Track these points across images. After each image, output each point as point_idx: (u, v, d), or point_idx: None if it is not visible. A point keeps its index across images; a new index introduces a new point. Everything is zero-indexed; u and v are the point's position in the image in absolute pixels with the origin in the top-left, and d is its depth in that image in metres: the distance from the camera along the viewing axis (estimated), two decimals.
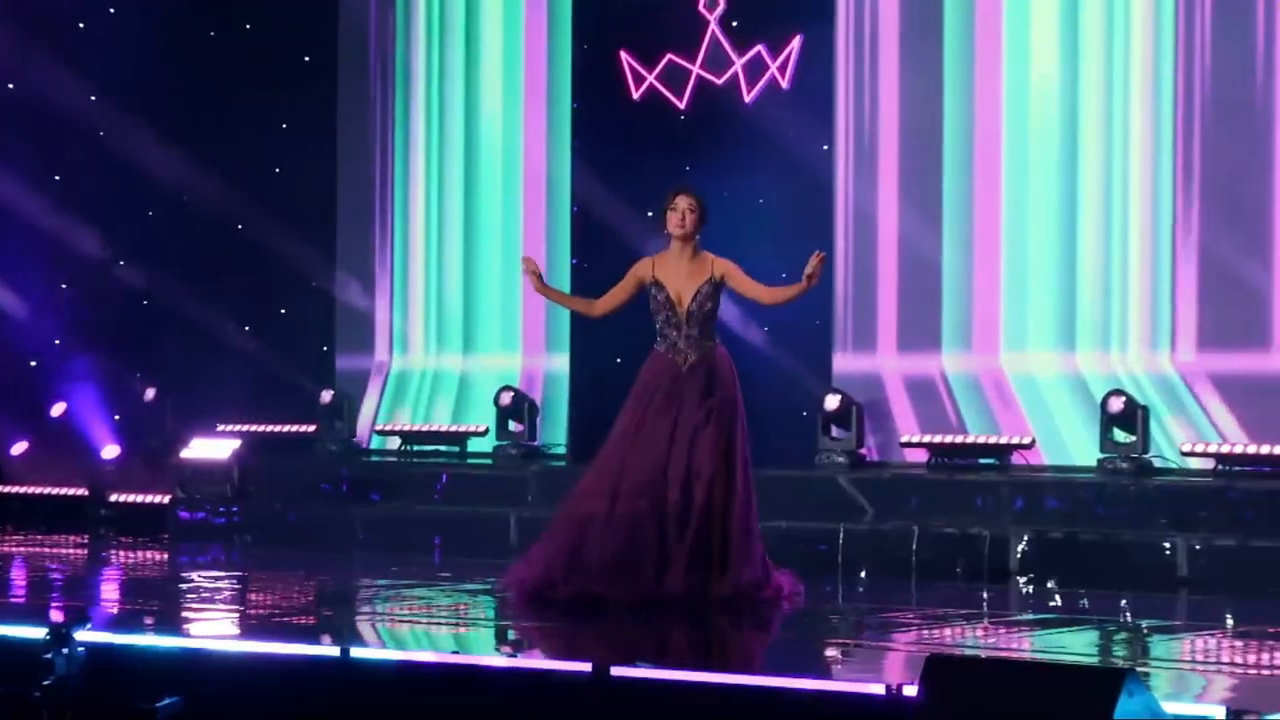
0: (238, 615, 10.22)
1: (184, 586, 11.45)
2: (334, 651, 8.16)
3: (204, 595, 10.97)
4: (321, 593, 11.05)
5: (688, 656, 8.64)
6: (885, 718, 6.74)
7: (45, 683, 7.30)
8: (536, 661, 8.33)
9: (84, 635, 7.44)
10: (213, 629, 9.41)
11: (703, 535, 9.73)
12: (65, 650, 7.30)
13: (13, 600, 10.62)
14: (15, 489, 15.04)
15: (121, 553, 13.36)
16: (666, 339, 10.15)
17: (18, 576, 12.04)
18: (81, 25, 15.43)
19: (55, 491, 14.88)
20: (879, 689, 6.95)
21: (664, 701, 7.33)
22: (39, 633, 7.99)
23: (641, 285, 10.21)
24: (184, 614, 10.10)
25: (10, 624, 8.69)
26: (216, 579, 11.70)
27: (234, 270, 15.53)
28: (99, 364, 15.51)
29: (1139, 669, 6.52)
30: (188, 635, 8.97)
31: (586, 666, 7.53)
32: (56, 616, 8.20)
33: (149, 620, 9.49)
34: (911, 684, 6.65)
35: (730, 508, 9.81)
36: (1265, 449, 12.18)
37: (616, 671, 7.45)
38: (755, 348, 13.93)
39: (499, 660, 8.43)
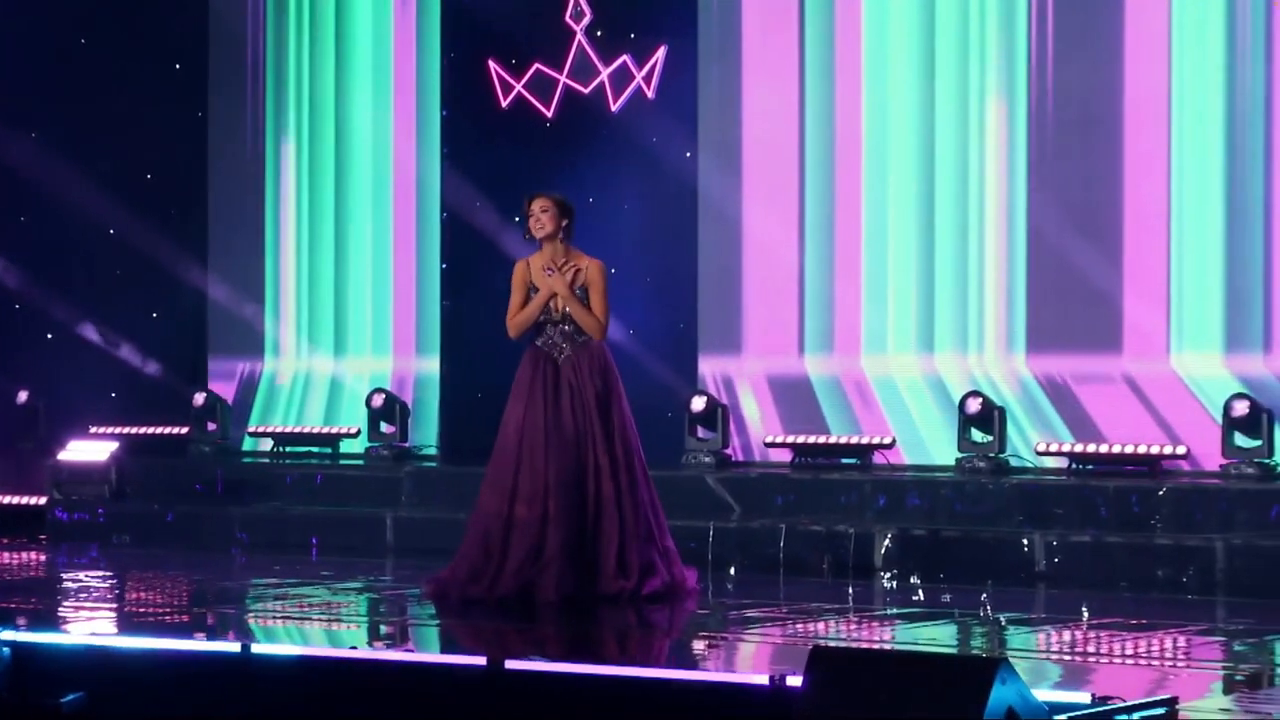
0: (132, 613, 10.36)
1: (72, 586, 11.54)
2: (235, 647, 8.25)
3: (94, 594, 11.12)
4: (211, 590, 11.17)
5: (576, 650, 8.83)
6: (769, 707, 6.92)
7: None
8: (433, 656, 8.50)
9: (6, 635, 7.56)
10: (109, 627, 9.54)
11: (614, 528, 10.01)
12: None
13: None
14: None
15: (12, 554, 13.40)
16: (543, 334, 10.32)
17: None
18: None
19: None
20: (763, 679, 7.12)
21: (555, 694, 7.47)
22: None
23: (526, 285, 10.35)
24: (77, 612, 10.21)
25: None
26: (102, 578, 11.81)
27: (107, 274, 15.57)
28: None
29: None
30: (89, 634, 9.04)
31: (482, 660, 7.71)
32: None
33: (45, 619, 9.55)
34: (794, 674, 6.85)
35: (630, 497, 10.09)
36: (1116, 448, 12.51)
37: (510, 665, 7.62)
38: (621, 349, 14.05)
39: (397, 655, 8.52)
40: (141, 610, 10.70)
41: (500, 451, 10.41)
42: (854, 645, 8.70)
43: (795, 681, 6.81)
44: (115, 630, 9.35)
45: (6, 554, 13.40)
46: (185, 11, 15.72)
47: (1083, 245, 13.02)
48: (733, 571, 11.90)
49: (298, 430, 15.06)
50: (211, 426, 14.90)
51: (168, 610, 10.67)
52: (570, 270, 10.23)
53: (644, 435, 13.60)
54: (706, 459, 13.19)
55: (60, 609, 10.26)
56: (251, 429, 15.34)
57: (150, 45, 15.71)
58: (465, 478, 12.97)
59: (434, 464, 14.33)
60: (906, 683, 6.35)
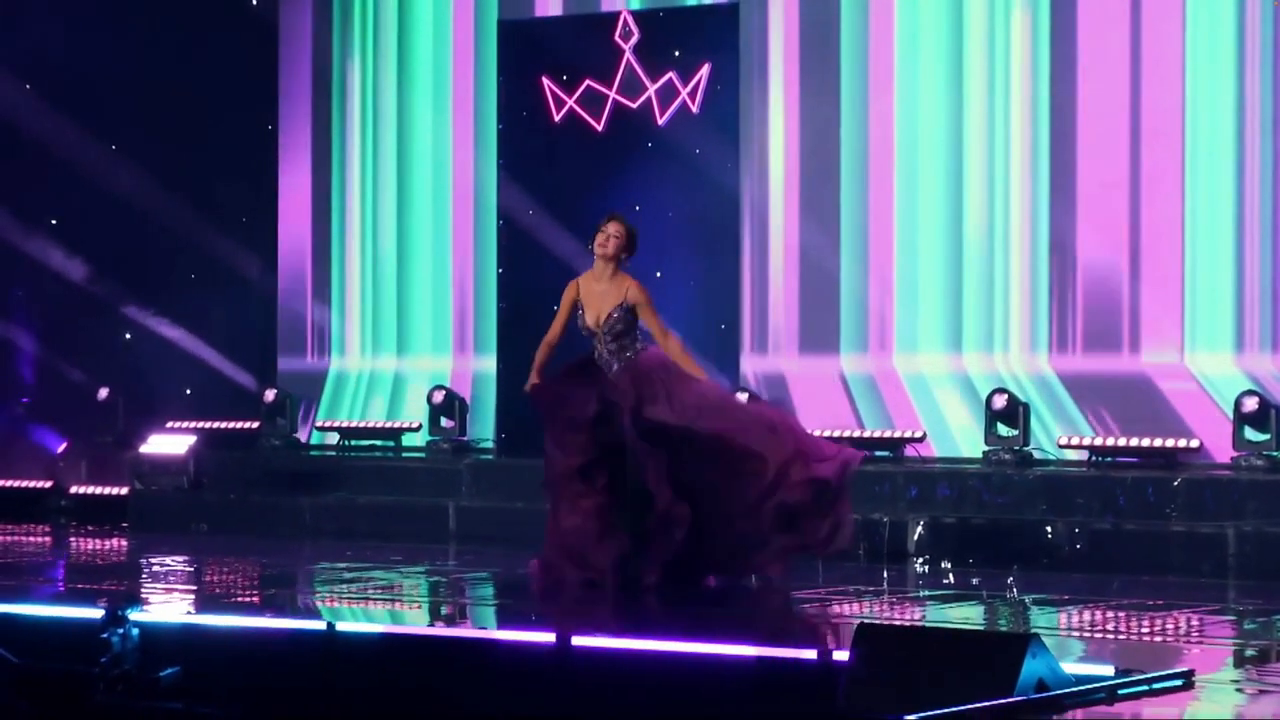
0: (216, 594, 10.96)
1: (159, 570, 12.10)
2: (320, 625, 8.94)
3: (179, 577, 11.70)
4: (289, 573, 11.77)
5: (637, 627, 9.36)
6: (818, 680, 7.42)
7: (103, 660, 7.82)
8: (504, 633, 9.02)
9: (136, 616, 8.02)
10: (199, 607, 10.02)
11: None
12: (120, 630, 7.86)
13: (56, 585, 11.41)
14: None
15: (95, 540, 13.91)
16: (593, 348, 10.73)
17: (47, 563, 12.82)
18: (34, 48, 15.79)
19: (18, 483, 15.37)
20: (811, 654, 7.69)
21: (618, 668, 8.03)
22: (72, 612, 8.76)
23: (573, 304, 10.76)
24: (168, 594, 10.80)
25: (55, 605, 9.48)
26: (185, 563, 12.32)
27: (182, 278, 16.06)
28: (54, 364, 15.91)
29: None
30: (183, 614, 9.58)
31: (551, 637, 8.30)
32: (109, 600, 8.70)
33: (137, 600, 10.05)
34: (840, 650, 7.43)
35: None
36: (1133, 441, 12.92)
37: (577, 641, 8.20)
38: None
39: (472, 632, 9.17)
40: (225, 591, 11.29)
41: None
42: (897, 623, 9.24)
43: (841, 656, 7.33)
44: (204, 610, 9.81)
45: (94, 540, 13.94)
46: (256, 30, 16.20)
47: (1102, 250, 13.45)
48: None
49: (363, 425, 15.49)
50: (280, 422, 15.40)
51: (250, 591, 11.24)
52: (616, 293, 10.57)
53: None
54: None
55: (149, 591, 10.82)
56: (319, 424, 15.78)
57: (223, 61, 16.18)
58: (521, 469, 13.59)
59: (491, 457, 14.78)
60: (946, 657, 6.85)
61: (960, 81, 13.99)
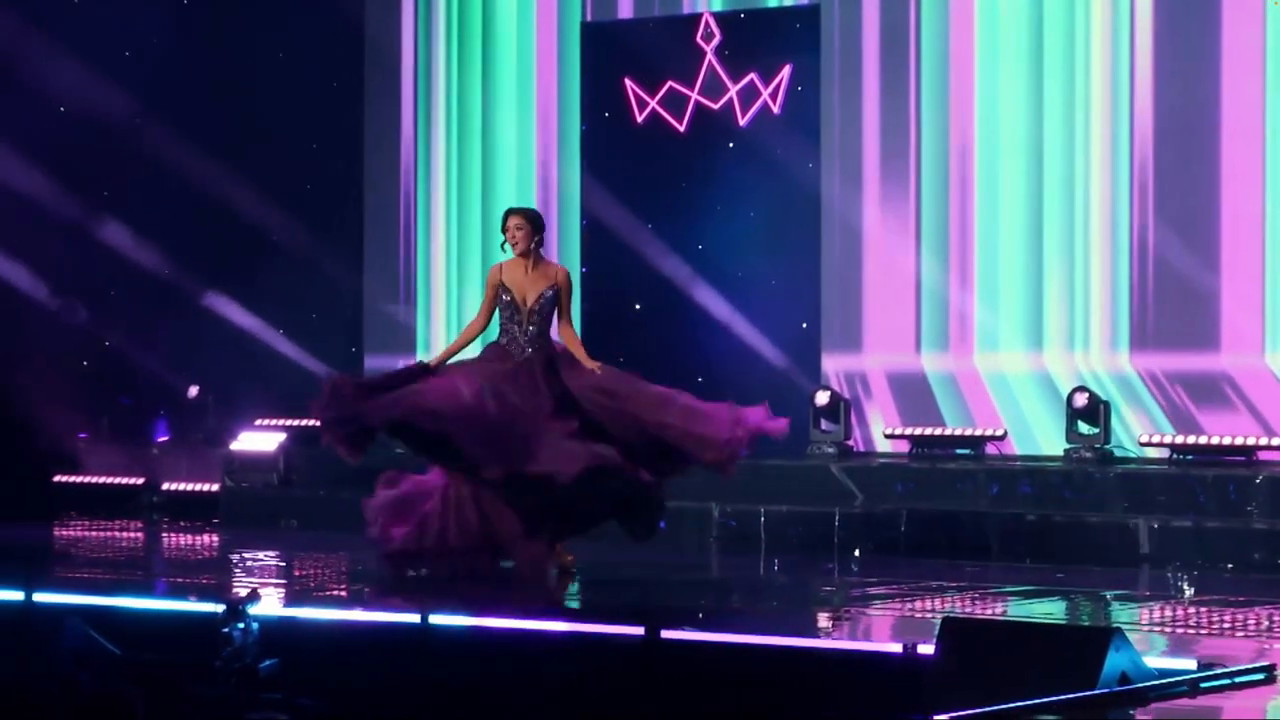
0: (310, 587, 11.19)
1: (253, 564, 12.31)
2: (414, 618, 9.06)
3: (273, 571, 11.94)
4: (380, 569, 11.97)
5: (726, 621, 9.37)
6: (902, 673, 7.60)
7: (225, 653, 7.94)
8: (594, 626, 9.07)
9: (256, 610, 8.14)
10: (295, 600, 10.23)
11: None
12: (241, 625, 8.01)
13: (153, 580, 11.65)
14: (77, 478, 15.73)
15: (188, 536, 14.12)
16: (508, 334, 10.96)
17: (159, 558, 13.05)
18: (128, 54, 16.07)
19: (112, 480, 15.59)
20: (896, 648, 7.85)
21: (707, 661, 8.19)
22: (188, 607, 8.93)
23: (496, 290, 11.01)
24: (263, 587, 10.90)
25: (154, 599, 9.69)
26: (277, 557, 12.53)
27: (270, 277, 16.20)
28: (147, 363, 16.16)
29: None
30: (280, 607, 9.76)
31: (640, 630, 8.48)
32: (231, 595, 8.80)
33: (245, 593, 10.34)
34: (925, 643, 7.57)
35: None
36: (1214, 439, 12.99)
37: (666, 634, 8.40)
38: (748, 347, 14.84)
39: (562, 624, 9.22)
40: (316, 585, 11.47)
41: None
42: (980, 617, 9.35)
43: (926, 650, 7.49)
44: (298, 603, 9.99)
45: (188, 536, 14.17)
46: (342, 33, 16.38)
47: (1182, 249, 13.51)
48: (857, 553, 12.43)
49: None
50: None
51: (343, 585, 11.43)
52: (546, 277, 10.90)
53: None
54: (830, 450, 13.81)
55: (242, 585, 10.92)
56: None
57: (310, 64, 16.38)
58: None
59: None
60: (1030, 650, 6.94)
61: (1040, 80, 14.06)
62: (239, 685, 7.99)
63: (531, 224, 10.98)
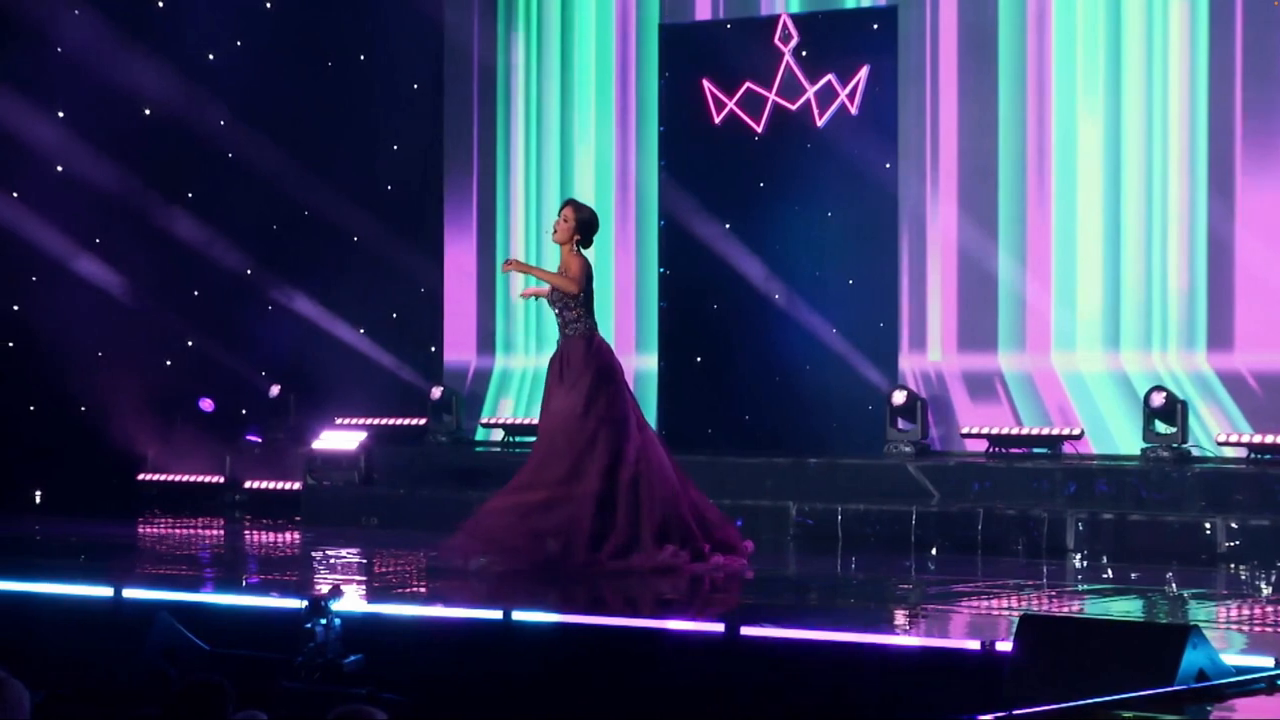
0: (392, 584, 11.30)
1: (336, 561, 12.43)
2: (497, 614, 9.19)
3: (355, 568, 12.05)
4: (461, 566, 12.08)
5: (806, 618, 9.42)
6: (981, 670, 7.67)
7: (308, 647, 8.19)
8: (675, 623, 9.21)
9: (337, 606, 8.36)
10: (377, 597, 10.34)
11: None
12: (323, 621, 8.23)
13: (239, 577, 11.77)
14: (160, 476, 15.94)
15: (270, 534, 14.28)
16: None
17: (243, 556, 13.21)
18: (211, 57, 16.28)
19: (195, 478, 15.80)
20: (974, 645, 7.98)
21: (787, 657, 8.29)
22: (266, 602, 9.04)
23: None
24: (346, 584, 11.19)
25: (240, 595, 9.83)
26: (359, 554, 12.66)
27: (351, 277, 16.40)
28: (229, 363, 16.32)
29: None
30: (365, 603, 9.89)
31: (720, 626, 8.61)
32: (313, 592, 8.91)
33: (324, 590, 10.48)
34: (1003, 640, 7.67)
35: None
36: None
37: (746, 631, 8.51)
38: (825, 346, 14.88)
39: (643, 621, 9.38)
40: (398, 582, 11.59)
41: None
42: (1059, 614, 9.38)
43: (1004, 647, 7.56)
44: (381, 600, 10.13)
45: (270, 533, 14.32)
46: (423, 37, 16.50)
47: (1260, 248, 13.50)
48: (934, 552, 12.52)
49: (527, 422, 15.58)
50: (446, 418, 15.67)
51: (424, 581, 11.53)
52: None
53: (846, 426, 14.50)
54: (907, 448, 13.87)
55: (324, 582, 11.00)
56: (484, 420, 16.05)
57: (391, 68, 16.58)
58: (682, 465, 13.57)
59: None
60: (1108, 647, 7.00)
61: (1118, 78, 14.06)
62: (324, 680, 8.11)
63: (576, 220, 11.20)
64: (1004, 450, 13.91)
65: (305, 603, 8.38)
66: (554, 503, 11.01)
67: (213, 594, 10.03)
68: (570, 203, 11.42)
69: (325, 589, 8.80)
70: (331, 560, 12.54)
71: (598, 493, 10.99)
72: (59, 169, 15.86)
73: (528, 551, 11.01)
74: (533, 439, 15.34)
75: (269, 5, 16.54)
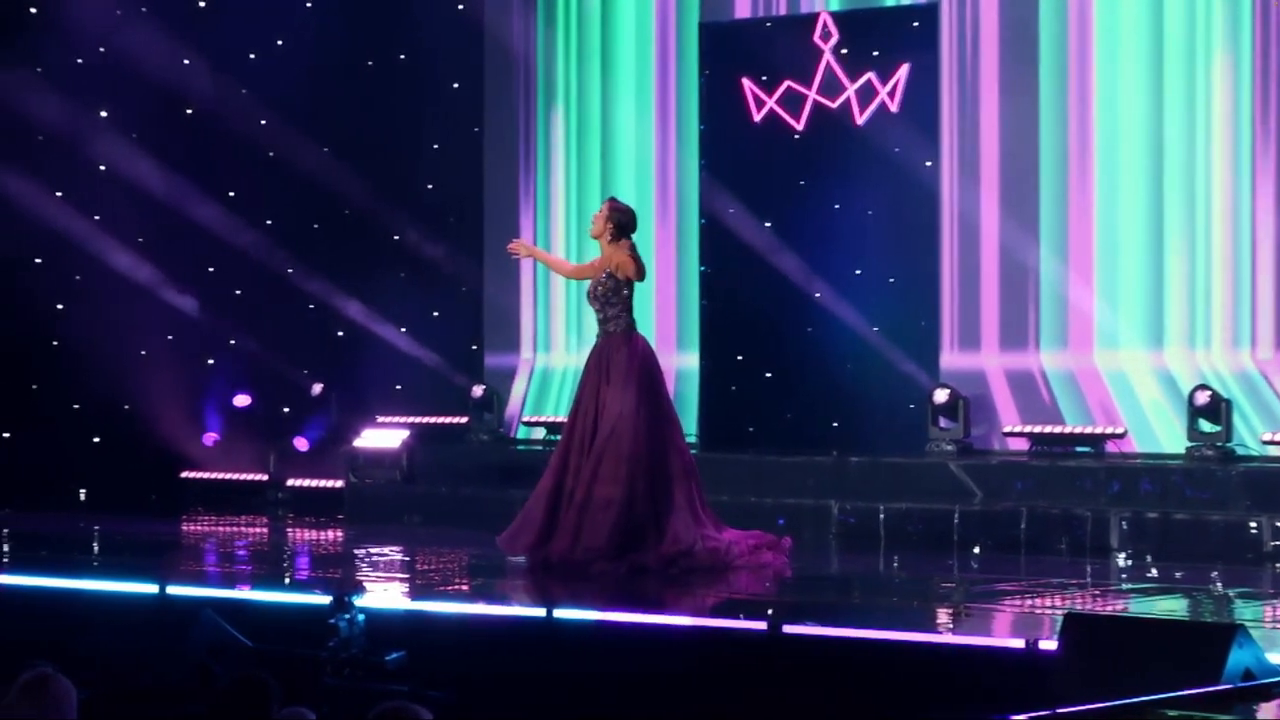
0: (434, 581, 11.36)
1: (378, 559, 12.47)
2: (540, 611, 9.31)
3: (397, 565, 12.12)
4: (502, 563, 12.07)
5: (847, 616, 9.55)
6: (1024, 668, 7.67)
7: (331, 644, 8.25)
8: (717, 620, 9.34)
9: (361, 602, 8.43)
10: (420, 593, 10.45)
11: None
12: (347, 616, 8.28)
13: (282, 574, 11.84)
14: (203, 474, 16.03)
15: (313, 531, 14.35)
16: None
17: (286, 553, 13.27)
18: (253, 56, 16.36)
19: (238, 476, 15.88)
20: (1018, 643, 7.96)
21: (829, 655, 8.32)
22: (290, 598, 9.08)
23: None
24: (389, 582, 11.24)
25: (283, 592, 9.88)
26: (402, 552, 12.71)
27: (392, 276, 16.43)
28: (271, 361, 16.37)
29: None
30: (407, 600, 10.04)
31: (762, 625, 8.66)
32: (336, 587, 9.07)
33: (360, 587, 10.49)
34: (1047, 639, 7.70)
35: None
36: None
37: (788, 629, 8.54)
38: (866, 345, 14.85)
39: (684, 619, 9.43)
40: (440, 580, 11.67)
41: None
42: (1103, 613, 9.37)
43: (1048, 646, 7.57)
44: (422, 597, 10.19)
45: (313, 531, 14.38)
46: (463, 36, 16.48)
47: None
48: (976, 551, 12.52)
49: (562, 421, 15.81)
50: (488, 416, 15.68)
51: (467, 579, 11.59)
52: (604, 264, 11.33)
53: (889, 425, 14.49)
54: (949, 447, 13.84)
55: (368, 579, 11.19)
56: (525, 419, 16.08)
57: (431, 67, 16.57)
58: (723, 464, 13.95)
59: (694, 451, 15.04)
60: (1153, 646, 7.03)
61: (1160, 75, 14.02)
62: (356, 675, 8.14)
63: (609, 214, 11.39)
64: (1047, 449, 13.86)
65: (329, 599, 8.42)
66: (611, 503, 11.01)
67: (255, 591, 10.06)
68: (610, 200, 11.61)
69: (348, 585, 8.82)
70: (374, 558, 12.59)
71: (655, 489, 11.07)
72: (102, 168, 15.96)
73: (600, 550, 11.01)
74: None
75: (309, 5, 16.61)
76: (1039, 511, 12.62)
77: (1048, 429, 13.96)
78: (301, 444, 15.96)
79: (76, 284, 15.93)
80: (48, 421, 15.68)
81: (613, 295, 11.26)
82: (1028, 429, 14.05)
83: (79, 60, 15.89)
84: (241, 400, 16.23)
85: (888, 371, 14.79)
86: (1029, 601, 10.25)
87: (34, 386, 15.83)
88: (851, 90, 15.05)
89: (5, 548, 12.84)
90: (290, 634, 8.93)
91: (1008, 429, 14.21)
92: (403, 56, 16.67)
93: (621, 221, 11.34)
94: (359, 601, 8.50)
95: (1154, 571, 11.65)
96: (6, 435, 15.68)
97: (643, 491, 11.03)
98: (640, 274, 11.28)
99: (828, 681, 8.23)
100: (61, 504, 15.32)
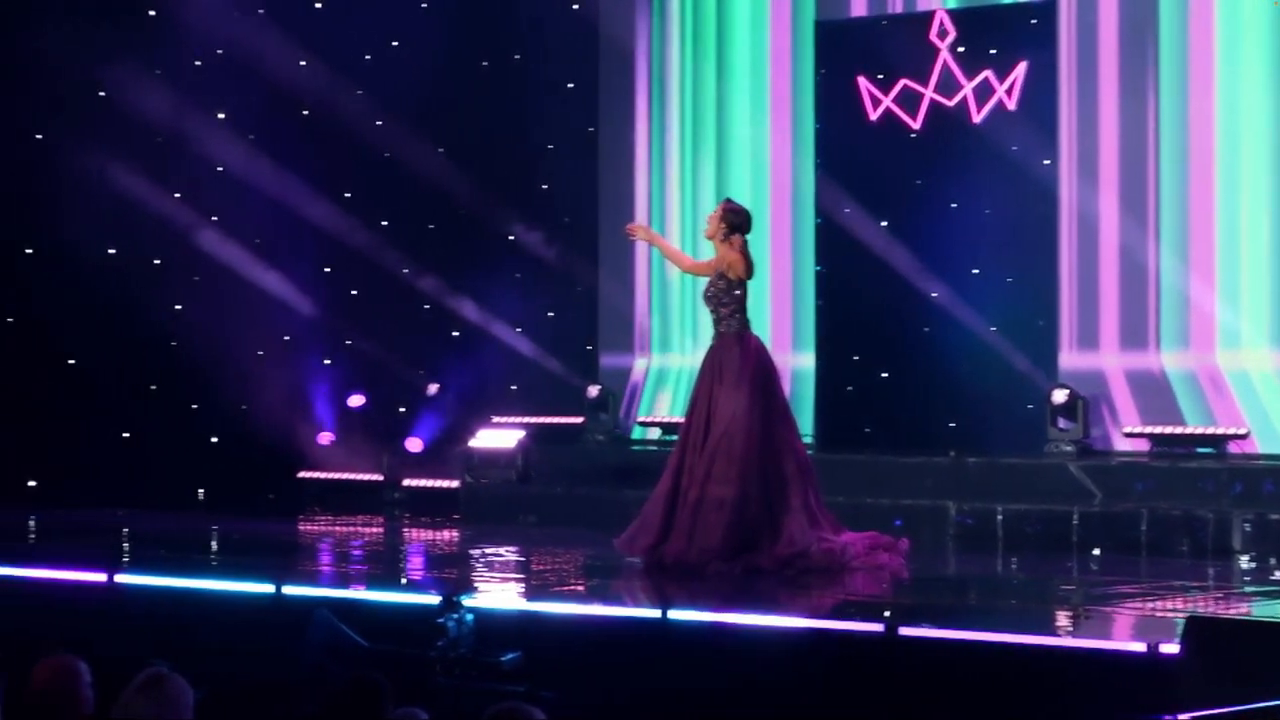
0: (551, 582, 11.38)
1: (495, 559, 12.48)
2: (655, 613, 9.29)
3: (513, 566, 12.14)
4: (618, 564, 12.02)
5: (964, 619, 9.43)
6: (1146, 672, 7.60)
7: (439, 644, 8.23)
8: (833, 622, 9.30)
9: (470, 602, 8.42)
10: (536, 594, 10.44)
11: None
12: (456, 616, 8.27)
13: (399, 574, 11.89)
14: (320, 474, 16.13)
15: (430, 531, 14.37)
16: None
17: (395, 553, 13.33)
18: (368, 57, 16.47)
19: (354, 476, 15.95)
20: (1140, 647, 7.86)
21: (945, 657, 8.26)
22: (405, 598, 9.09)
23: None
24: (504, 582, 11.26)
25: (398, 592, 9.91)
26: (518, 552, 12.72)
27: (507, 277, 16.50)
28: (387, 361, 16.47)
29: None
30: (524, 601, 10.03)
31: (879, 626, 8.62)
32: (446, 587, 9.13)
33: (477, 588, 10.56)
34: (1168, 643, 7.61)
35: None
36: None
37: (904, 631, 8.50)
38: (983, 344, 14.78)
39: (801, 621, 9.38)
40: (556, 580, 11.66)
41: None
42: (1227, 616, 9.26)
43: (1169, 649, 7.49)
44: (537, 597, 10.19)
45: (429, 531, 14.40)
46: (578, 36, 16.57)
47: None
48: (1096, 552, 12.40)
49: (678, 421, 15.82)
50: (603, 417, 15.71)
51: (582, 579, 11.59)
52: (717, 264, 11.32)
53: (1006, 426, 14.41)
54: (1068, 448, 13.75)
55: (482, 580, 11.22)
56: (641, 419, 16.11)
57: (545, 66, 16.67)
58: (839, 465, 13.89)
59: (810, 452, 15.03)
60: (1277, 649, 6.95)
61: None
62: (461, 676, 8.15)
63: (723, 214, 11.41)
64: (1168, 450, 13.77)
65: (439, 599, 8.43)
66: (724, 503, 10.98)
67: (369, 591, 10.09)
68: (725, 201, 11.62)
69: (457, 585, 8.83)
70: (489, 558, 12.60)
71: (769, 490, 11.06)
72: (219, 169, 16.08)
73: (715, 550, 10.98)
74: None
75: (424, 5, 16.68)
76: (1160, 513, 12.52)
77: (1168, 430, 13.87)
78: (414, 444, 15.99)
79: (194, 285, 16.04)
80: (167, 422, 15.79)
81: (724, 295, 11.27)
82: (1148, 430, 13.96)
83: (197, 62, 16.02)
84: (356, 400, 16.30)
85: (1005, 371, 14.72)
86: (1150, 604, 10.13)
87: (153, 387, 15.95)
88: (969, 88, 15.00)
89: (125, 547, 12.93)
90: (403, 634, 8.89)
91: (1128, 429, 14.12)
92: (517, 56, 16.77)
93: (735, 223, 11.36)
94: (469, 602, 8.49)
95: (1278, 574, 11.52)
96: (126, 435, 15.81)
97: (756, 493, 10.99)
98: (749, 272, 11.26)
99: (944, 684, 8.19)
100: (180, 504, 15.41)
